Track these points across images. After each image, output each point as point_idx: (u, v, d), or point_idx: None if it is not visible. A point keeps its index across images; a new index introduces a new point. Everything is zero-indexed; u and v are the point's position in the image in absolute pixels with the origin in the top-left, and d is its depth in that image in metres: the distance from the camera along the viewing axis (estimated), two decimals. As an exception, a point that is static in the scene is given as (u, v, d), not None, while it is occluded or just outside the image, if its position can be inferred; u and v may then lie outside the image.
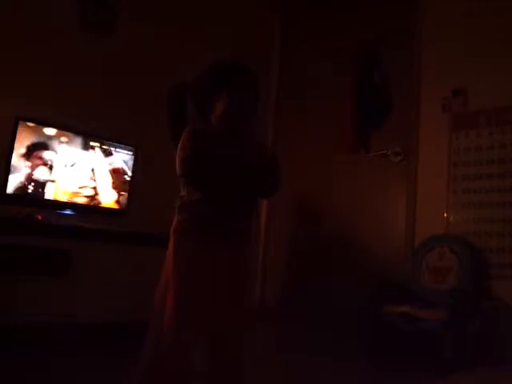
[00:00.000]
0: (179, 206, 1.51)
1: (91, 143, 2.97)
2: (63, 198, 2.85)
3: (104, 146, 3.02)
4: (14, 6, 2.86)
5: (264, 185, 1.55)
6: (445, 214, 2.90)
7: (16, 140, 2.68)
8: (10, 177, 2.66)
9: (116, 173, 3.06)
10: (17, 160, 2.68)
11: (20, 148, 2.69)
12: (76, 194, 2.90)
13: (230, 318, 1.49)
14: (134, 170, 3.13)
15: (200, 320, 1.44)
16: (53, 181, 2.81)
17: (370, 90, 3.23)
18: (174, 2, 3.52)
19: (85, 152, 2.94)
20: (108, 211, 3.03)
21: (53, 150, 2.82)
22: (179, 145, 1.48)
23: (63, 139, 2.86)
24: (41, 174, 2.77)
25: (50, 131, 2.81)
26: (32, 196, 2.74)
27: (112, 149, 3.05)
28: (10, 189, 2.66)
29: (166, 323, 1.41)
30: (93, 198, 2.97)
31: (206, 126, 1.55)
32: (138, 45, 3.32)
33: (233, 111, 1.52)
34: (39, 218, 2.62)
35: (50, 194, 2.80)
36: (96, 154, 2.99)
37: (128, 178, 3.11)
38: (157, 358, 1.41)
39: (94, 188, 2.97)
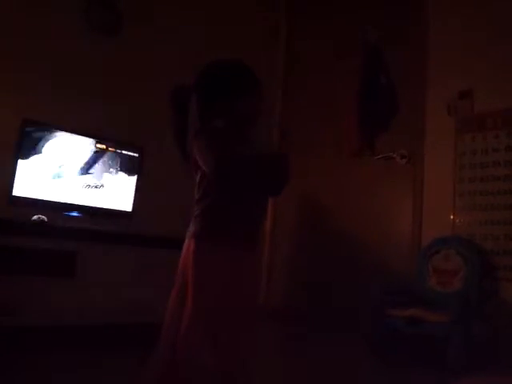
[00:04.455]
0: (202, 210, 1.46)
1: (97, 145, 2.98)
2: (69, 200, 2.86)
3: (110, 148, 3.03)
4: (18, 6, 2.88)
5: (273, 184, 1.54)
6: (451, 217, 2.89)
7: (22, 142, 2.69)
8: (16, 179, 2.67)
9: (122, 175, 3.07)
10: (23, 162, 2.70)
11: (26, 150, 2.71)
12: (81, 195, 2.91)
13: (246, 316, 1.49)
14: (140, 172, 3.14)
15: (226, 324, 1.42)
16: (59, 183, 2.82)
17: (376, 92, 3.23)
18: (178, 3, 3.54)
19: (90, 154, 2.95)
20: (113, 213, 3.04)
21: (59, 152, 2.83)
22: (205, 144, 1.42)
23: (69, 141, 2.87)
24: (46, 176, 2.79)
25: (55, 133, 2.82)
26: (38, 198, 2.75)
27: (118, 151, 3.06)
28: (16, 191, 2.68)
29: (188, 328, 1.37)
30: (98, 199, 2.98)
31: (216, 126, 1.53)
32: (143, 46, 3.32)
33: (252, 113, 1.53)
34: (45, 219, 2.64)
35: (55, 195, 2.81)
36: (102, 156, 3.00)
37: (134, 180, 3.12)
38: (171, 362, 1.38)
39: (100, 190, 2.98)
